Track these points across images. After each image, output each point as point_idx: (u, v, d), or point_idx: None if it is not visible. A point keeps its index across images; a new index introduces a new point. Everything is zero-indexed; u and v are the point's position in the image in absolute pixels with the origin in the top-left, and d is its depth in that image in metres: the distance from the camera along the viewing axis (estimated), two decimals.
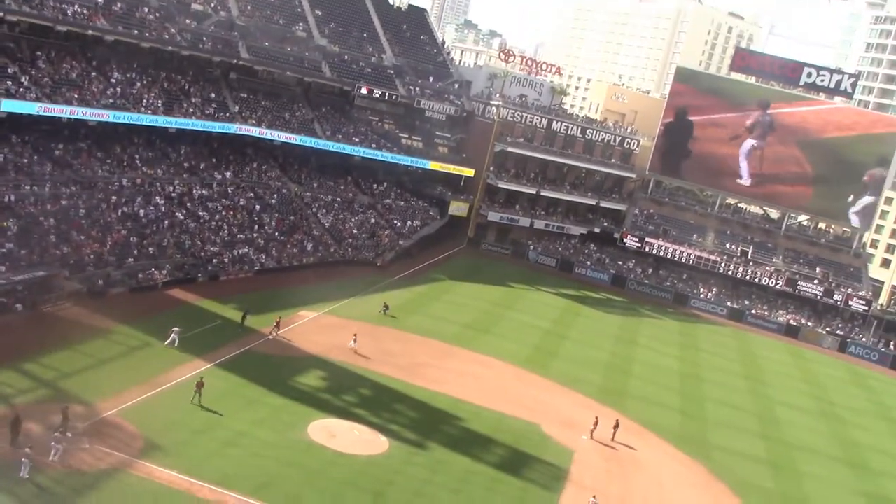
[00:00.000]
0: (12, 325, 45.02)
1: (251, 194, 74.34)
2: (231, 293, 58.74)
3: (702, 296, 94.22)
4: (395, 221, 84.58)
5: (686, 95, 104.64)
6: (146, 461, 33.89)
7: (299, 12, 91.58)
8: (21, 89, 58.15)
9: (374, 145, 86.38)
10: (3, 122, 57.15)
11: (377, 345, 54.47)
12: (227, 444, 37.17)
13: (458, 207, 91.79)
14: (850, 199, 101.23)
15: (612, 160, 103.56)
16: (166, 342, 46.50)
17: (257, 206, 73.10)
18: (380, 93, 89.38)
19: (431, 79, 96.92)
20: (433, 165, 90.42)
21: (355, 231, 79.56)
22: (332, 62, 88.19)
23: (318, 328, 55.35)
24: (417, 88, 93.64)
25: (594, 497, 37.43)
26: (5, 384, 38.06)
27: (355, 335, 53.07)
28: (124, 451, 34.42)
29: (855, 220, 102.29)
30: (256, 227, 70.32)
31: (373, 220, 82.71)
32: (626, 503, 41.10)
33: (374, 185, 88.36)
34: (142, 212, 62.34)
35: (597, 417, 48.41)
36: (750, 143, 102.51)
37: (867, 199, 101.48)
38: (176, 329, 47.11)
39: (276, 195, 76.72)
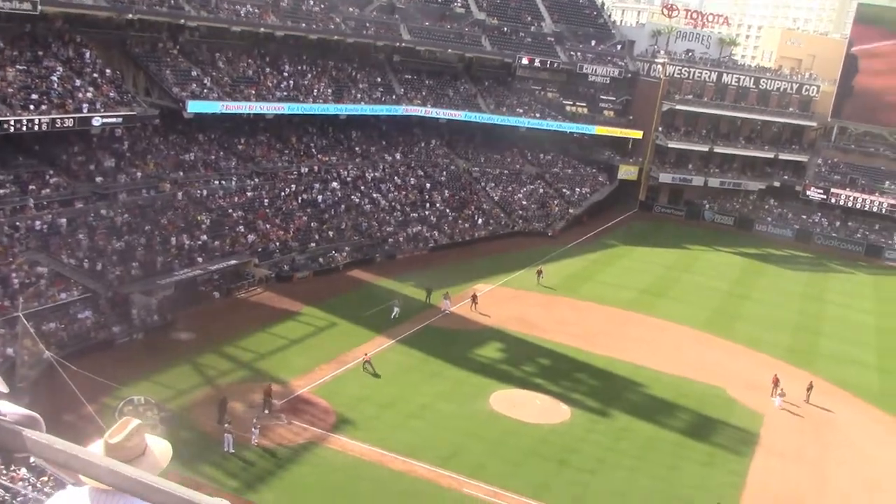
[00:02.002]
0: (211, 311, 48.46)
1: (421, 173, 76.18)
2: (408, 270, 60.55)
3: None
4: (564, 190, 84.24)
5: (870, 37, 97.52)
6: (339, 435, 35.74)
7: None
8: (205, 90, 62.00)
9: (537, 115, 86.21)
10: (190, 122, 61.28)
11: (552, 314, 54.69)
12: (411, 417, 38.58)
13: (627, 171, 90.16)
14: None
15: (790, 109, 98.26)
16: (392, 315, 49.59)
17: (427, 185, 74.83)
18: (540, 61, 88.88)
19: (593, 42, 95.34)
20: (599, 130, 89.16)
21: (525, 202, 79.91)
22: (492, 35, 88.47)
23: (493, 300, 56.11)
24: (579, 53, 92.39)
25: None
26: (210, 366, 41.13)
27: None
28: (319, 425, 36.46)
29: None
30: (428, 204, 72.05)
31: (541, 191, 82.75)
32: (824, 468, 39.42)
33: (541, 155, 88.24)
34: (320, 198, 65.24)
35: (776, 375, 46.53)
36: None
37: None
38: (395, 301, 50.61)
39: (444, 172, 78.21)
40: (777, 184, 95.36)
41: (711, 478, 36.63)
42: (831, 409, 45.73)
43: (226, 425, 33.75)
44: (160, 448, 3.27)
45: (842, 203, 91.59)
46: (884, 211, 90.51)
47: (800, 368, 50.76)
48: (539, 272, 61.41)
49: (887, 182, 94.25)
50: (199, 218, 54.74)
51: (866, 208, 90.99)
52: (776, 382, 46.07)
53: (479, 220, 73.54)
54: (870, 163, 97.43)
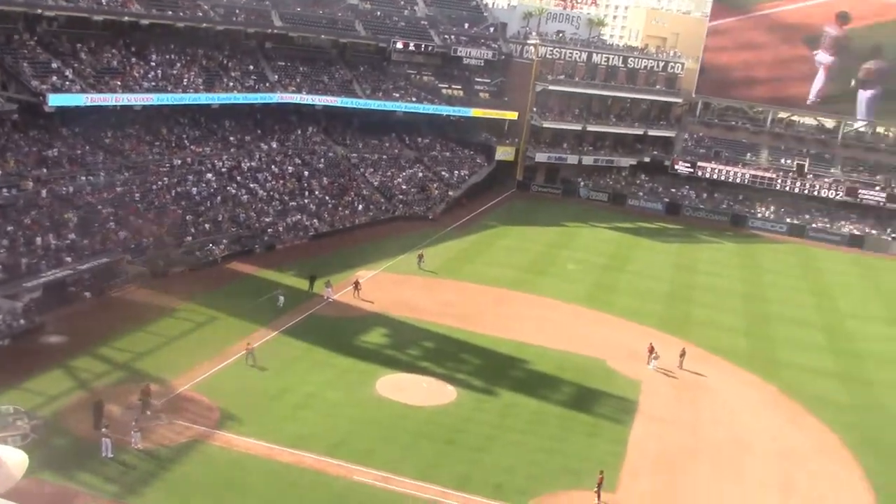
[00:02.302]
0: (83, 312, 46.65)
1: (298, 161, 75.25)
2: (289, 260, 59.88)
3: (760, 215, 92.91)
4: (443, 173, 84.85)
5: (726, 15, 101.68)
6: (224, 431, 35.12)
7: None
8: (67, 83, 59.37)
9: (414, 99, 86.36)
10: (52, 116, 58.60)
11: (435, 297, 55.17)
12: (298, 408, 38.28)
13: (504, 152, 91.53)
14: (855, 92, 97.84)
15: (657, 87, 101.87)
16: (277, 304, 49.57)
17: (306, 173, 74.01)
18: (415, 45, 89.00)
19: (466, 25, 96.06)
20: (476, 112, 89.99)
21: (404, 187, 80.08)
22: (366, 20, 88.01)
23: (377, 286, 56.10)
24: (452, 37, 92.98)
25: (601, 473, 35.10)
26: (83, 370, 39.64)
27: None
28: (202, 423, 35.71)
29: (863, 113, 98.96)
30: (307, 193, 71.27)
31: (420, 174, 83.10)
32: (698, 430, 41.27)
33: (419, 139, 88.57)
34: (194, 190, 63.61)
35: (651, 344, 48.52)
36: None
37: (871, 92, 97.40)
38: (279, 291, 50.69)
39: (322, 159, 77.52)
40: (647, 159, 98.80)
41: (595, 447, 37.83)
42: (704, 374, 47.94)
43: (103, 430, 32.63)
44: (14, 460, 3.15)
45: (708, 176, 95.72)
46: (746, 181, 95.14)
47: (674, 336, 52.92)
48: (420, 256, 61.74)
49: (748, 154, 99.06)
50: (65, 216, 52.51)
51: (730, 180, 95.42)
52: (651, 350, 48.05)
53: (360, 207, 73.31)
54: (732, 136, 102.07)
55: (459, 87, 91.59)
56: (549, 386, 43.83)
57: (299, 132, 79.44)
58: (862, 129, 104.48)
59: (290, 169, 73.45)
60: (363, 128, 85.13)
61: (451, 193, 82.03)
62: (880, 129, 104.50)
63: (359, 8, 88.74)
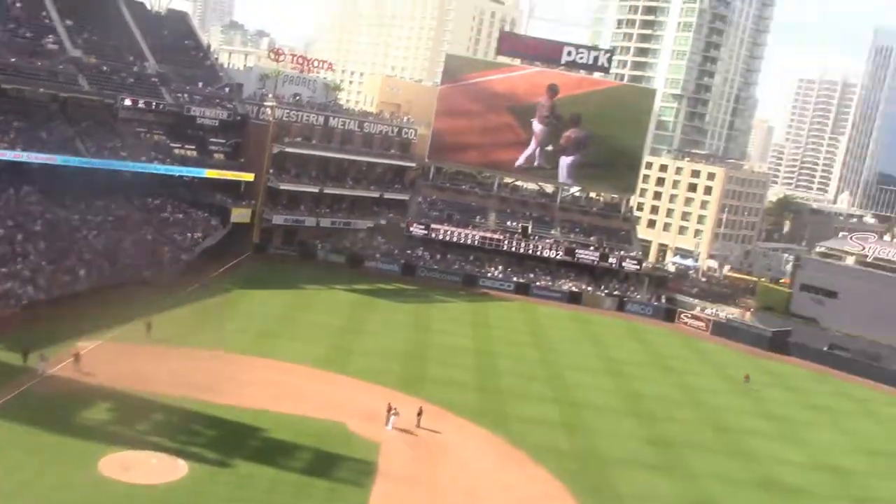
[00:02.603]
0: None
1: (11, 223, 69.15)
2: None
3: (489, 274, 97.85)
4: (175, 235, 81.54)
5: (457, 81, 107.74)
6: None
7: (48, 24, 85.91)
8: None
9: (144, 158, 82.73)
10: None
11: (167, 366, 52.56)
12: (9, 498, 34.67)
13: (240, 214, 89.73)
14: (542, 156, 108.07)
15: (392, 151, 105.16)
16: None
17: (19, 236, 68.06)
18: (145, 103, 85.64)
19: (200, 84, 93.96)
20: (210, 174, 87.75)
21: (132, 250, 75.93)
22: (90, 74, 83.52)
23: (100, 357, 52.47)
24: (186, 95, 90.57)
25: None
26: None
27: None
28: None
29: (564, 177, 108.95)
30: (20, 258, 65.57)
31: (150, 237, 79.31)
32: (436, 487, 42.20)
33: (149, 200, 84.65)
34: None
35: (389, 404, 49.30)
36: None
37: (571, 159, 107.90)
38: None
39: (39, 221, 71.78)
40: (384, 221, 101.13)
41: None
42: (440, 430, 49.30)
43: None
44: None
45: (441, 237, 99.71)
46: (476, 243, 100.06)
47: (411, 395, 53.97)
48: (148, 325, 58.53)
49: (478, 216, 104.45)
50: None
51: (462, 241, 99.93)
52: (390, 410, 48.74)
53: (82, 272, 68.43)
54: (463, 199, 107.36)
55: (193, 147, 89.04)
56: (287, 453, 43.01)
57: (12, 192, 73.17)
58: (577, 194, 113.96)
59: (1, 231, 67.34)
60: (88, 188, 79.88)
61: (183, 257, 78.99)
62: (593, 195, 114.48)
63: (83, 61, 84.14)
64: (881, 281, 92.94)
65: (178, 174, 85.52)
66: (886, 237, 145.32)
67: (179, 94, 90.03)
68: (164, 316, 62.45)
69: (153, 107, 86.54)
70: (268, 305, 72.38)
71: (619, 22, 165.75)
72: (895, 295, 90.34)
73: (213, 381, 51.29)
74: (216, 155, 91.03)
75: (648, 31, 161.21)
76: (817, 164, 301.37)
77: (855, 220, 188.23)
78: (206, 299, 70.79)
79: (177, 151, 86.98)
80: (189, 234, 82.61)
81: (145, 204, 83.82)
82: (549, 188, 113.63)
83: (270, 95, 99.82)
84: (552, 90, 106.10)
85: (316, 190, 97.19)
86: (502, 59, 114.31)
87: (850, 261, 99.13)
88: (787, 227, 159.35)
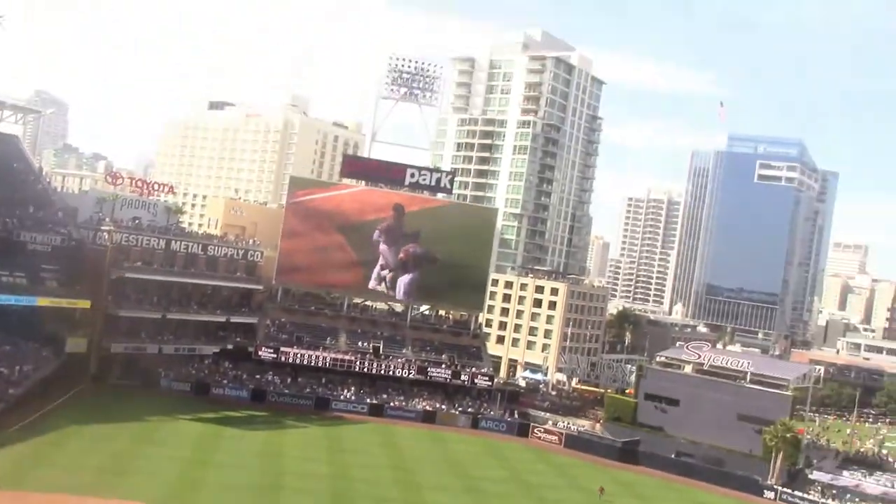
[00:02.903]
0: None
1: None
2: None
3: (342, 396, 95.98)
4: (1, 369, 75.78)
5: (303, 202, 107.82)
6: None
7: None
8: None
9: None
10: None
11: None
12: None
13: (75, 344, 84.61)
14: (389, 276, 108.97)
15: (238, 274, 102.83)
16: None
17: None
18: None
19: (31, 208, 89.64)
20: (42, 302, 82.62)
21: None
22: None
23: None
24: (15, 220, 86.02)
25: None
26: None
27: None
28: None
29: (401, 295, 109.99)
30: None
31: None
32: None
33: None
34: None
35: None
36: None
37: (409, 277, 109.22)
38: None
39: None
40: (231, 346, 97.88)
41: None
42: None
43: None
44: None
45: (291, 360, 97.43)
46: (328, 365, 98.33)
47: None
48: None
49: (328, 338, 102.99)
50: None
51: (313, 364, 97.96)
52: None
53: None
54: (312, 321, 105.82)
55: (23, 274, 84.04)
56: None
57: None
58: (427, 313, 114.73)
59: None
60: None
61: (11, 391, 73.24)
62: (442, 312, 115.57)
63: None
64: (717, 388, 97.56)
65: (6, 303, 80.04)
66: (719, 345, 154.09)
67: (8, 220, 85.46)
68: None
69: None
70: (107, 440, 67.68)
71: (459, 145, 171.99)
72: (731, 401, 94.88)
73: None
74: (49, 282, 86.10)
75: (487, 154, 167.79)
76: (651, 278, 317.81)
77: (689, 329, 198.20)
78: (38, 436, 65.41)
79: (4, 279, 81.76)
80: (18, 367, 76.99)
81: None
82: (398, 307, 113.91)
83: (108, 219, 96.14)
84: (398, 210, 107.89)
85: (158, 316, 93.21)
86: (347, 181, 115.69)
87: (688, 369, 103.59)
88: (628, 338, 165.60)
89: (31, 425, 67.80)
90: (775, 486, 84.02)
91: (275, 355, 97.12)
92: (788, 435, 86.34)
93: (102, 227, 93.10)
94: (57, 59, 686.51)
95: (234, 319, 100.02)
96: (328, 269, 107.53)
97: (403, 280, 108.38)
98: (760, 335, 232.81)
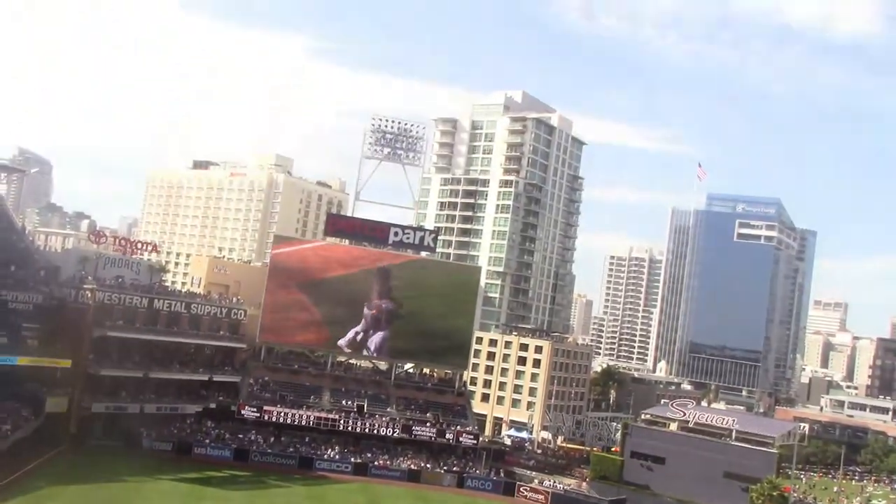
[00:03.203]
0: None
1: None
2: None
3: (326, 456, 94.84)
4: None
5: (288, 260, 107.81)
6: None
7: None
8: None
9: None
10: None
11: None
12: None
13: (56, 403, 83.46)
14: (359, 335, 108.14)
15: (221, 332, 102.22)
16: None
17: None
18: None
19: (13, 267, 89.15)
20: (22, 361, 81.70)
21: None
22: None
23: None
24: None
25: None
26: None
27: None
28: None
29: (371, 351, 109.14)
30: None
31: None
32: None
33: None
34: None
35: None
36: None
37: (382, 333, 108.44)
38: None
39: None
40: (213, 405, 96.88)
41: None
42: None
43: None
44: None
45: (274, 419, 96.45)
46: (312, 424, 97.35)
47: None
48: None
49: (312, 396, 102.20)
50: None
51: (296, 423, 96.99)
52: None
53: None
54: (296, 379, 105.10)
55: (3, 333, 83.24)
56: None
57: None
58: (411, 371, 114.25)
59: None
60: None
61: None
62: (426, 371, 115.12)
63: None
64: (703, 446, 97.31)
65: None
66: (704, 403, 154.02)
67: None
68: None
69: None
70: (87, 502, 66.42)
71: (442, 204, 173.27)
72: (717, 458, 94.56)
73: None
74: (30, 341, 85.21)
75: (469, 213, 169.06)
76: (635, 335, 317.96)
77: (673, 387, 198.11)
78: (15, 498, 64.16)
79: None
80: None
81: None
82: (382, 365, 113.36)
83: (90, 278, 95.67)
84: (383, 274, 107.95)
85: (140, 375, 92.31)
86: (331, 239, 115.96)
87: (673, 427, 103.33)
88: (612, 396, 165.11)
89: (8, 486, 66.43)
90: None
91: (258, 414, 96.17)
92: (775, 493, 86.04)
93: (85, 286, 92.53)
94: (40, 117, 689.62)
95: (217, 378, 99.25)
96: (296, 329, 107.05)
97: (375, 338, 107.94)
98: (744, 392, 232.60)
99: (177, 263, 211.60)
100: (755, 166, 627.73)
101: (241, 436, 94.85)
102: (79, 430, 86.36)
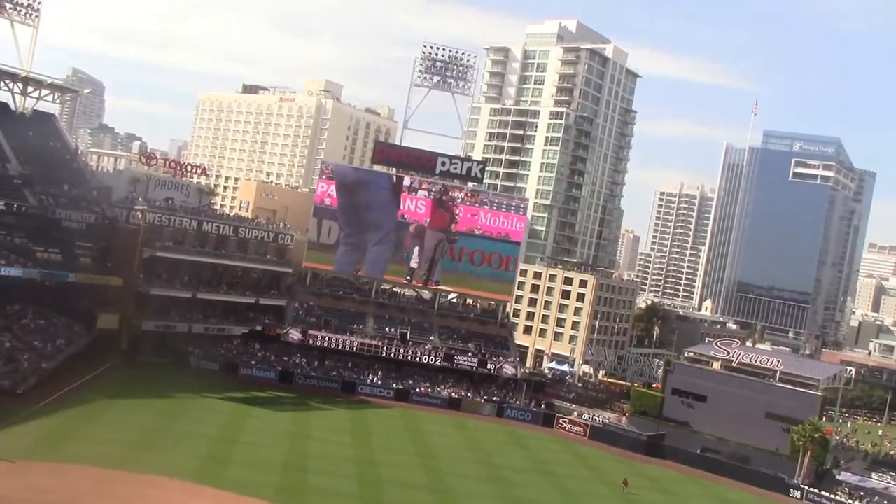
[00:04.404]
0: None
1: None
2: None
3: (368, 381, 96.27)
4: (35, 342, 76.86)
5: (332, 187, 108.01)
6: None
7: None
8: None
9: (3, 262, 78.34)
10: None
11: (27, 482, 48.54)
12: None
13: (107, 320, 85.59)
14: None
15: (268, 256, 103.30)
16: None
17: None
18: (6, 205, 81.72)
19: (66, 186, 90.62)
20: (76, 278, 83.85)
21: None
22: None
23: None
24: (51, 198, 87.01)
25: None
26: None
27: None
28: None
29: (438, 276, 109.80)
30: None
31: (8, 344, 74.51)
32: None
33: (7, 306, 79.89)
34: None
35: None
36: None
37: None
38: None
39: None
40: (259, 327, 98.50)
41: None
42: None
43: None
44: None
45: (318, 344, 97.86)
46: (355, 349, 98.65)
47: None
48: None
49: (356, 323, 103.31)
50: None
51: (340, 347, 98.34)
52: None
53: None
54: (340, 305, 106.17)
55: (57, 250, 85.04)
56: None
57: None
58: (454, 300, 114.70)
59: None
60: None
61: (44, 365, 74.33)
62: (470, 301, 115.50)
63: None
64: (745, 385, 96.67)
65: (40, 279, 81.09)
66: (748, 343, 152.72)
67: (44, 197, 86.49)
68: (22, 428, 58.17)
69: (15, 209, 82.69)
70: (136, 416, 68.41)
71: (491, 135, 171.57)
72: (759, 399, 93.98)
73: (77, 497, 47.68)
74: (83, 259, 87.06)
75: (518, 145, 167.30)
76: (681, 273, 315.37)
77: (718, 326, 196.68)
78: (69, 409, 66.32)
79: (40, 255, 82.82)
80: (51, 341, 78.09)
81: (3, 310, 79.06)
82: (426, 294, 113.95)
83: (141, 199, 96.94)
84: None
85: (188, 295, 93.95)
86: (378, 167, 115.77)
87: (716, 366, 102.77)
88: (656, 332, 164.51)
89: (61, 399, 68.67)
90: (802, 486, 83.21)
91: (303, 338, 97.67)
92: (817, 435, 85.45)
93: (136, 207, 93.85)
94: (94, 38, 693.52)
95: (264, 301, 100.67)
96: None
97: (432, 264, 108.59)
98: (791, 334, 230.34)
99: (225, 187, 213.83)
100: (816, 105, 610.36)
101: (285, 358, 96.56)
102: (129, 347, 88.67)
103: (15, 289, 79.77)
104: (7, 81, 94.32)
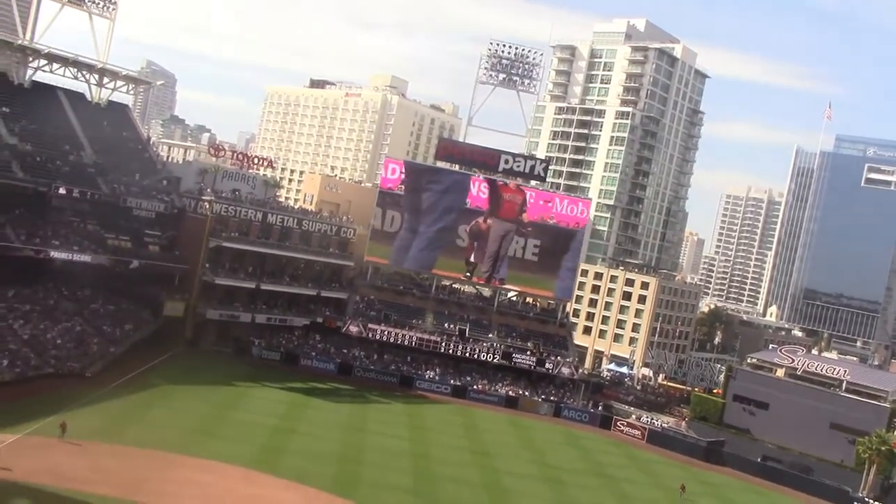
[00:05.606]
0: None
1: None
2: None
3: (426, 376, 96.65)
4: (104, 327, 79.03)
5: (395, 182, 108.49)
6: None
7: None
8: None
9: (76, 248, 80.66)
10: None
11: (91, 462, 49.95)
12: None
13: (173, 307, 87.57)
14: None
15: (330, 249, 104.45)
16: None
17: None
18: (80, 192, 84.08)
19: (137, 176, 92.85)
20: (144, 265, 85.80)
21: (59, 341, 73.21)
22: (24, 162, 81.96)
23: (17, 451, 49.65)
24: (122, 186, 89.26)
25: None
26: None
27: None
28: None
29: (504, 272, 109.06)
30: None
31: (79, 328, 76.70)
32: None
33: (79, 291, 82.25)
34: None
35: None
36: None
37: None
38: None
39: None
40: (320, 319, 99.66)
41: None
42: None
43: None
44: None
45: (378, 337, 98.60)
46: (413, 344, 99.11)
47: (344, 498, 52.07)
48: (62, 426, 53.91)
49: (415, 318, 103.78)
50: None
51: (398, 342, 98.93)
52: None
53: (5, 362, 65.57)
54: (400, 300, 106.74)
55: (127, 238, 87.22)
56: None
57: None
58: (514, 299, 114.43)
59: None
60: (16, 276, 77.36)
61: (112, 350, 76.34)
62: (529, 300, 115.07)
63: (18, 148, 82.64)
64: (810, 394, 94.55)
65: (110, 265, 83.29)
66: (814, 351, 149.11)
67: (116, 185, 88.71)
68: (89, 410, 59.83)
69: (88, 196, 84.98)
70: (198, 402, 69.87)
71: (555, 133, 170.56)
72: (824, 409, 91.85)
73: (139, 479, 48.86)
74: (151, 247, 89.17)
75: (582, 144, 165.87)
76: (746, 277, 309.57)
77: (783, 332, 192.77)
78: (134, 393, 68.05)
79: (110, 242, 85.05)
80: (119, 326, 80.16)
81: (75, 294, 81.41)
82: (486, 292, 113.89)
83: (209, 190, 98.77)
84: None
85: (252, 286, 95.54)
86: (441, 163, 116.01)
87: (780, 373, 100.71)
88: (718, 337, 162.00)
89: (128, 382, 70.53)
90: (867, 499, 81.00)
91: (362, 331, 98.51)
92: (884, 448, 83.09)
93: (203, 197, 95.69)
94: (168, 31, 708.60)
95: (325, 294, 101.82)
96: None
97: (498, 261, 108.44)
98: (859, 343, 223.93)
99: (290, 180, 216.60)
100: (891, 109, 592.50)
101: (345, 351, 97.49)
102: (193, 335, 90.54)
103: (86, 274, 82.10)
104: (84, 72, 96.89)
